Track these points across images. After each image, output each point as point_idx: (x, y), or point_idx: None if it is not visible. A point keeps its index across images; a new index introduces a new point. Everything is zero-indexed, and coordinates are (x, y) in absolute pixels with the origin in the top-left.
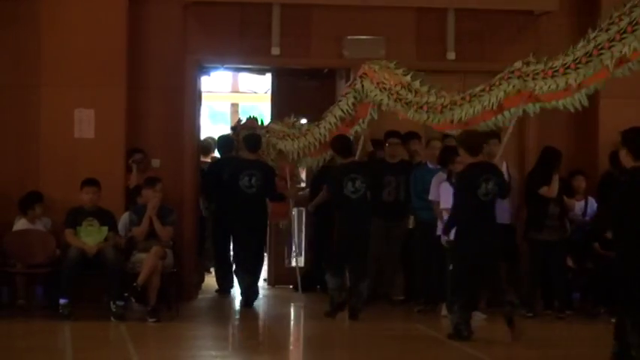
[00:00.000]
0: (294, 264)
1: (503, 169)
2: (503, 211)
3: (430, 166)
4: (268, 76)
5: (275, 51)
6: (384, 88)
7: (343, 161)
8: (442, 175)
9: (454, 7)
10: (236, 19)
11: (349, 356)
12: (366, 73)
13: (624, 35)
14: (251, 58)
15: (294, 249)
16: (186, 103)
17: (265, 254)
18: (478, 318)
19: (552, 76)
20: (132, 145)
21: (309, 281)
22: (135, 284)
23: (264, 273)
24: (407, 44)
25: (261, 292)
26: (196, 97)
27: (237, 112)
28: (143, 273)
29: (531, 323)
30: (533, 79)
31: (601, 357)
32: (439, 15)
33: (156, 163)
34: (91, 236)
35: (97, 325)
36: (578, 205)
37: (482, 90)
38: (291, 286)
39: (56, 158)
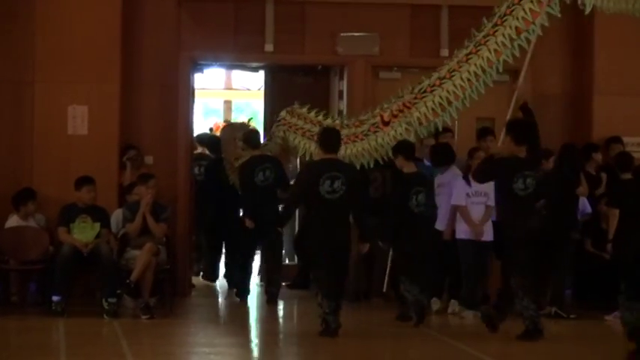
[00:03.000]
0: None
1: None
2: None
3: (427, 163)
4: (261, 73)
5: (269, 48)
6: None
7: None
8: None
9: (448, 4)
10: (230, 16)
11: (343, 352)
12: None
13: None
14: (245, 54)
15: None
16: (179, 100)
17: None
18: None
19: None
20: (125, 141)
21: (302, 279)
22: (128, 281)
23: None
24: (401, 41)
25: (256, 290)
26: (190, 94)
27: (230, 109)
28: (136, 270)
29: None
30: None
31: (601, 354)
32: (433, 12)
33: (149, 160)
34: (84, 233)
35: (90, 322)
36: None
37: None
38: (283, 284)
39: (50, 155)
